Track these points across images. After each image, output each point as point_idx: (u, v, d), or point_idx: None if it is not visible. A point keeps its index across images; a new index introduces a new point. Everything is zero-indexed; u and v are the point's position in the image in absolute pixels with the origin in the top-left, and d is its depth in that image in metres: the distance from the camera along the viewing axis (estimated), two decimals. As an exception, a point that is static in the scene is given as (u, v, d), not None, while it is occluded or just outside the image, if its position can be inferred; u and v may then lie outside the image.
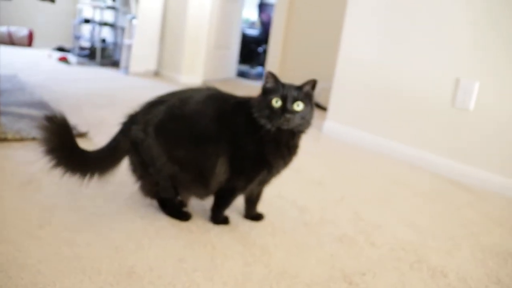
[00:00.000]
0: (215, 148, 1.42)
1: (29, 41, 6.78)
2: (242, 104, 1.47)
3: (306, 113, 1.39)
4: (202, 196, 1.56)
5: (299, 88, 1.40)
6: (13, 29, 6.67)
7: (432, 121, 2.75)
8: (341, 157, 2.80)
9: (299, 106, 1.37)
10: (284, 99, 1.36)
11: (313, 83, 1.42)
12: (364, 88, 3.16)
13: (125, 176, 1.60)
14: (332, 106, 3.38)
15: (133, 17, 5.26)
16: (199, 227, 1.52)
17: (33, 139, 2.21)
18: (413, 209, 2.01)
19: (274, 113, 1.36)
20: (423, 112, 2.79)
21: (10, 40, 6.60)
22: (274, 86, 1.39)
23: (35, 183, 1.71)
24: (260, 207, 1.68)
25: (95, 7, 5.91)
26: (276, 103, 1.36)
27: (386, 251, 1.54)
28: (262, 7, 7.98)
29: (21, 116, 2.55)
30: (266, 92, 1.40)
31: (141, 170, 1.51)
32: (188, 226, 1.52)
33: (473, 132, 2.55)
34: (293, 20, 5.55)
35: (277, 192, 1.90)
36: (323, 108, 4.32)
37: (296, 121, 1.38)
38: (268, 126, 1.38)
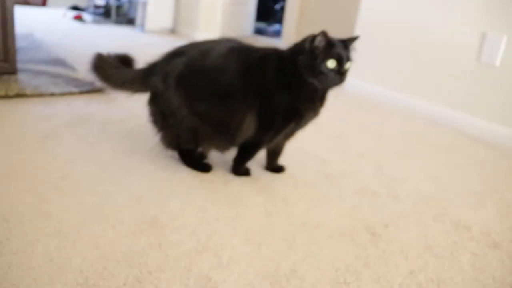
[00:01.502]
0: (242, 104, 1.40)
1: (43, 0, 6.71)
2: (269, 57, 1.43)
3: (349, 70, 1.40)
4: (223, 149, 1.54)
5: (346, 45, 1.38)
6: (27, -12, 6.60)
7: (456, 76, 2.67)
8: (362, 113, 2.75)
9: (348, 65, 1.37)
10: (339, 61, 1.33)
11: (355, 39, 1.42)
12: (385, 43, 3.08)
13: (145, 129, 1.59)
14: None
15: (148, -26, 5.15)
16: (220, 178, 1.51)
17: (52, 94, 2.21)
18: (435, 164, 1.98)
19: (327, 74, 1.33)
20: (447, 68, 2.71)
21: (24, 0, 6.54)
22: (327, 46, 1.33)
23: (54, 137, 1.71)
24: (281, 160, 1.66)
25: (109, -36, 5.80)
26: (332, 64, 1.33)
27: (409, 204, 1.52)
28: (279, -38, 7.77)
29: (39, 73, 2.55)
30: (317, 51, 1.34)
31: (162, 121, 1.50)
32: (209, 177, 1.51)
33: (498, 88, 2.47)
34: (311, -25, 5.40)
35: (298, 146, 1.88)
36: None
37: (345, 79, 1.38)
38: (320, 86, 1.37)
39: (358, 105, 2.92)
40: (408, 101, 2.91)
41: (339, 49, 1.34)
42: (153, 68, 1.49)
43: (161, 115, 1.49)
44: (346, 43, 1.38)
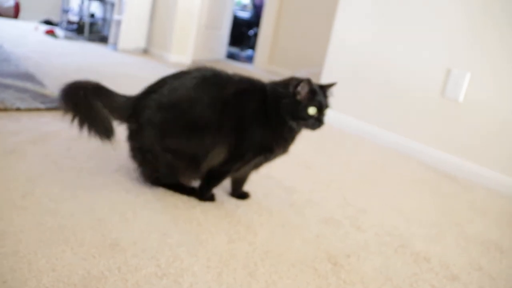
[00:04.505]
0: (215, 137, 1.41)
1: (15, 12, 6.63)
2: (248, 92, 1.45)
3: None
4: (196, 178, 1.55)
5: (325, 92, 1.45)
6: (-1, -1, 6.51)
7: (421, 110, 2.75)
8: (330, 142, 2.79)
9: (327, 111, 1.44)
10: (320, 109, 1.40)
11: (332, 86, 1.49)
12: (354, 74, 3.15)
13: (111, 149, 1.57)
14: (321, 92, 3.37)
15: (124, -7, 5.16)
16: (184, 203, 1.50)
17: (17, 109, 2.17)
18: (399, 196, 2.02)
19: (308, 120, 1.40)
20: (412, 101, 2.80)
21: (-5, 11, 6.45)
22: (309, 93, 1.40)
23: (18, 153, 1.67)
24: (247, 186, 1.67)
25: (85, -19, 5.79)
26: (313, 111, 1.39)
27: (372, 235, 1.54)
28: (254, -10, 7.91)
29: (6, 87, 2.50)
30: (299, 97, 1.39)
31: (140, 157, 1.50)
32: (174, 201, 1.50)
33: (461, 123, 2.56)
34: (285, 4, 5.51)
35: (265, 172, 1.88)
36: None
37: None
38: (298, 129, 1.45)
39: (327, 134, 2.96)
40: (375, 132, 2.97)
41: (320, 96, 1.41)
42: (131, 104, 1.48)
43: (139, 151, 1.49)
44: (325, 90, 1.46)
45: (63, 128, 2.03)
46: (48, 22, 6.59)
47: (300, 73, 4.73)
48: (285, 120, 1.41)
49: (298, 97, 1.39)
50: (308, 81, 1.38)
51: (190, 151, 1.43)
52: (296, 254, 1.31)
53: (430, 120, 2.70)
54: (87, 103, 1.44)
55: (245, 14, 8.06)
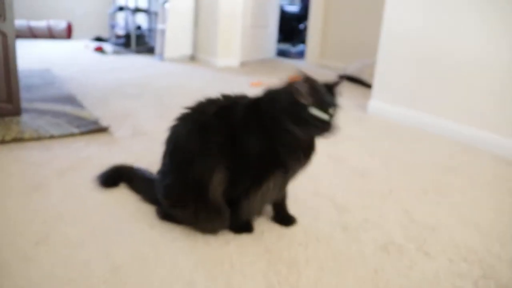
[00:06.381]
0: (205, 161, 1.22)
1: (68, 33, 6.75)
2: (230, 107, 1.27)
3: None
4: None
5: (331, 90, 1.21)
6: (52, 22, 6.65)
7: (490, 94, 2.39)
8: (388, 141, 2.49)
9: (336, 113, 1.20)
10: (325, 109, 1.16)
11: (339, 83, 1.24)
12: (411, 62, 2.83)
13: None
14: (377, 84, 3.06)
15: (166, 1, 5.06)
16: (217, 238, 1.30)
17: (51, 137, 2.08)
18: (474, 203, 1.71)
19: (313, 124, 1.17)
20: (479, 85, 2.44)
21: (50, 34, 6.59)
22: (310, 92, 1.16)
23: (43, 188, 1.56)
24: (293, 207, 1.45)
25: (128, -6, 5.76)
26: (317, 112, 1.16)
27: (443, 262, 1.27)
28: (301, -18, 7.65)
29: (43, 113, 2.44)
30: (299, 97, 1.16)
31: (167, 218, 1.41)
32: (205, 237, 1.30)
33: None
34: (333, -6, 5.22)
35: (313, 188, 1.65)
36: (367, 85, 4.00)
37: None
38: (302, 135, 1.20)
39: (382, 131, 2.67)
40: (436, 124, 2.65)
41: (325, 95, 1.17)
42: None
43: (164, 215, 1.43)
44: (331, 88, 1.22)
45: (97, 153, 1.92)
46: (98, 39, 6.66)
47: (354, 65, 4.43)
48: (285, 126, 1.18)
49: (298, 98, 1.16)
50: (307, 78, 1.15)
51: (188, 187, 1.24)
52: (349, 297, 1.08)
53: (502, 104, 2.34)
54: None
55: (293, 8, 7.81)
